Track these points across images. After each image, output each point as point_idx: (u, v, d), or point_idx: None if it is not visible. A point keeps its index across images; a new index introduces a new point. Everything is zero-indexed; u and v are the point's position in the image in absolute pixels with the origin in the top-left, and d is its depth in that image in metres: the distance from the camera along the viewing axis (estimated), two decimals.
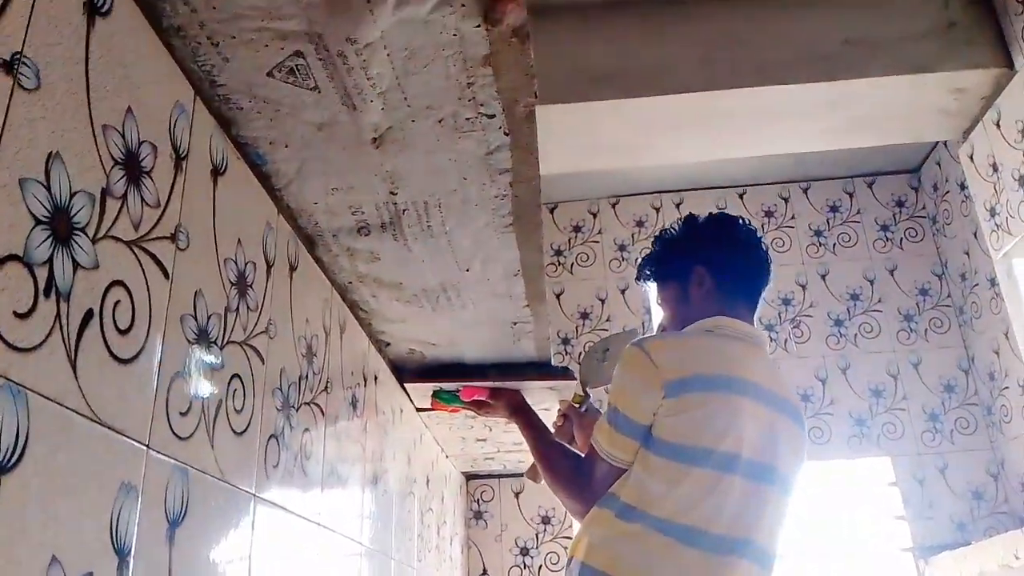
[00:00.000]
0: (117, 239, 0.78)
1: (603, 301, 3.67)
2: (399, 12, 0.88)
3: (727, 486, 1.17)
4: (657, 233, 1.54)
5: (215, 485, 0.96)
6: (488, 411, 1.92)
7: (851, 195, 3.76)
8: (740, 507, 1.17)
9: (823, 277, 3.63)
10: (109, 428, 0.75)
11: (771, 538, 1.22)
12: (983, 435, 3.30)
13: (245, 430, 1.06)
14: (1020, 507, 3.13)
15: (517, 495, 3.44)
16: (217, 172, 1.03)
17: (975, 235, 3.26)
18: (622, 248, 3.74)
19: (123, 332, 0.78)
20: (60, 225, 0.69)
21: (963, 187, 3.29)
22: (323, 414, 1.43)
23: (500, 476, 3.43)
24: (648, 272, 1.49)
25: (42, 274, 0.67)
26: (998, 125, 2.39)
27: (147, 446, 0.81)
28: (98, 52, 0.76)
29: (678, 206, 3.77)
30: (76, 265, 0.72)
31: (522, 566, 3.34)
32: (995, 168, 2.43)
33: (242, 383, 1.07)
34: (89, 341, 0.73)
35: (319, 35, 0.91)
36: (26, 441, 0.63)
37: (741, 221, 1.44)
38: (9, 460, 0.61)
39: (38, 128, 0.67)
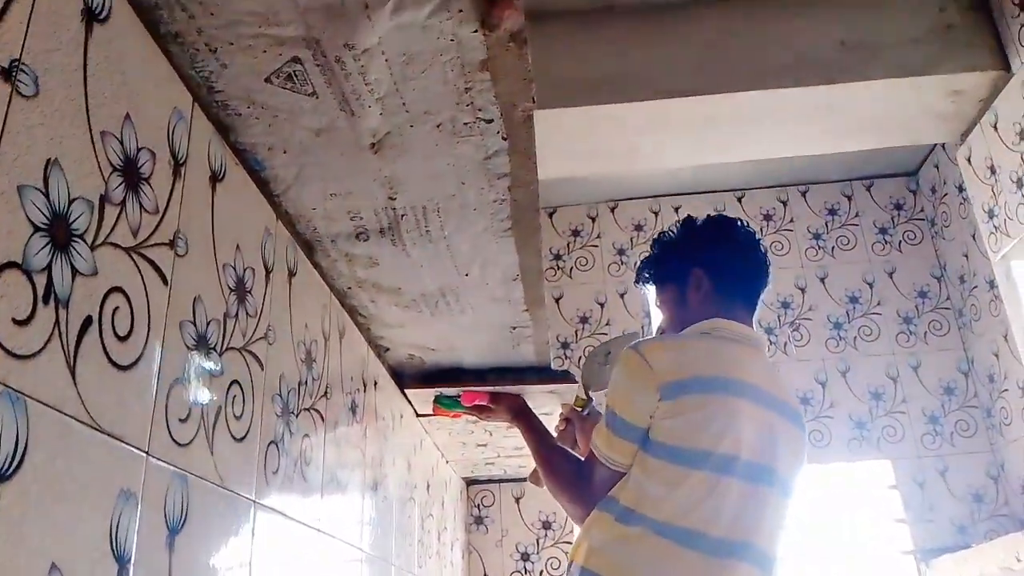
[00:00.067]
0: (116, 246, 0.78)
1: (602, 305, 3.67)
2: (397, 18, 0.88)
3: (725, 488, 1.17)
4: (656, 236, 1.54)
5: (215, 491, 0.96)
6: (489, 416, 1.91)
7: (849, 198, 3.77)
8: (739, 509, 1.17)
9: (822, 280, 3.63)
10: (108, 435, 0.75)
11: (771, 541, 1.22)
12: (983, 437, 3.30)
13: (244, 436, 1.06)
14: (1020, 509, 3.13)
15: (518, 500, 3.44)
16: (215, 178, 1.03)
17: (974, 237, 3.26)
18: (621, 252, 3.74)
19: (122, 339, 0.78)
20: (59, 232, 0.69)
21: (961, 189, 3.30)
22: (323, 420, 1.42)
23: (501, 481, 3.43)
24: (647, 275, 1.49)
25: (41, 281, 0.67)
26: (995, 127, 2.39)
27: (146, 453, 0.81)
28: (96, 59, 0.77)
29: (676, 210, 3.77)
30: (75, 272, 0.72)
31: (523, 571, 3.33)
32: (993, 170, 2.43)
33: (241, 389, 1.07)
34: (88, 348, 0.73)
35: (317, 41, 0.91)
36: (25, 448, 0.63)
37: (739, 223, 1.44)
38: (8, 467, 0.61)
39: (36, 135, 0.67)
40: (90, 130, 0.75)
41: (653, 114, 2.38)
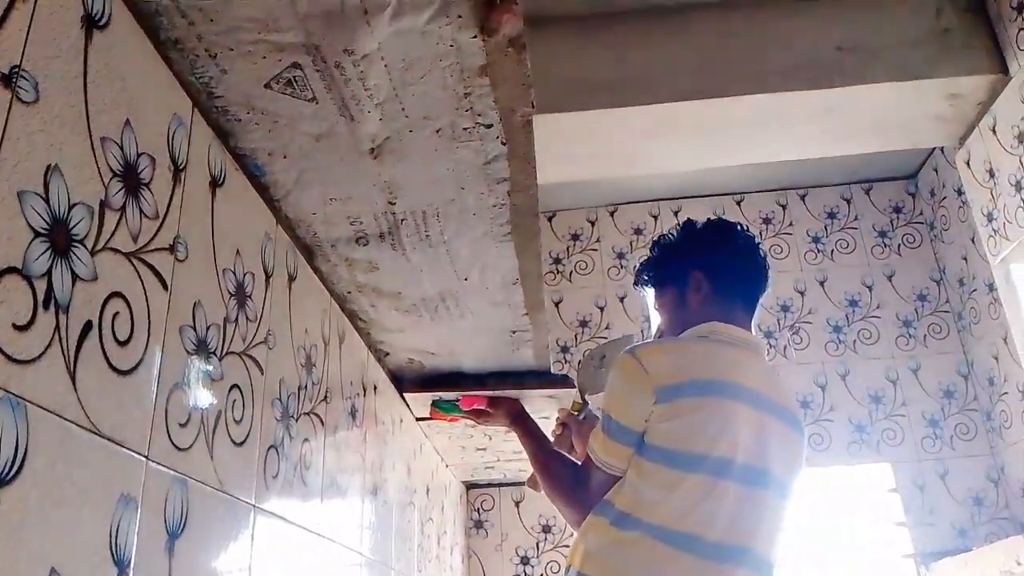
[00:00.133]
0: (116, 251, 0.79)
1: (602, 309, 3.67)
2: (396, 23, 0.89)
3: (721, 492, 1.16)
4: (655, 239, 1.54)
5: (214, 496, 0.96)
6: (487, 420, 1.91)
7: (849, 202, 3.77)
8: (735, 513, 1.17)
9: (821, 284, 3.63)
10: (108, 439, 0.75)
11: (769, 545, 1.21)
12: (983, 441, 3.30)
13: (244, 440, 1.06)
14: (1021, 513, 3.13)
15: (517, 504, 3.43)
16: (215, 183, 1.03)
17: (973, 240, 3.26)
18: (620, 256, 3.75)
19: (122, 343, 0.79)
20: (59, 237, 0.70)
21: (960, 193, 3.30)
22: (323, 424, 1.43)
23: (500, 485, 3.43)
24: (646, 277, 1.49)
25: (41, 286, 0.67)
26: (994, 130, 2.40)
27: (146, 457, 0.81)
28: (96, 65, 0.77)
29: (676, 214, 3.78)
30: (75, 277, 0.72)
31: (523, 575, 3.32)
32: (992, 173, 2.44)
33: (241, 393, 1.07)
34: (88, 353, 0.73)
35: (316, 47, 0.92)
36: (25, 453, 0.63)
37: (739, 227, 1.44)
38: (8, 472, 0.61)
39: (37, 141, 0.68)
40: (90, 136, 0.75)
41: (652, 118, 2.38)
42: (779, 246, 3.71)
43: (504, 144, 1.11)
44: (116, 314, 0.78)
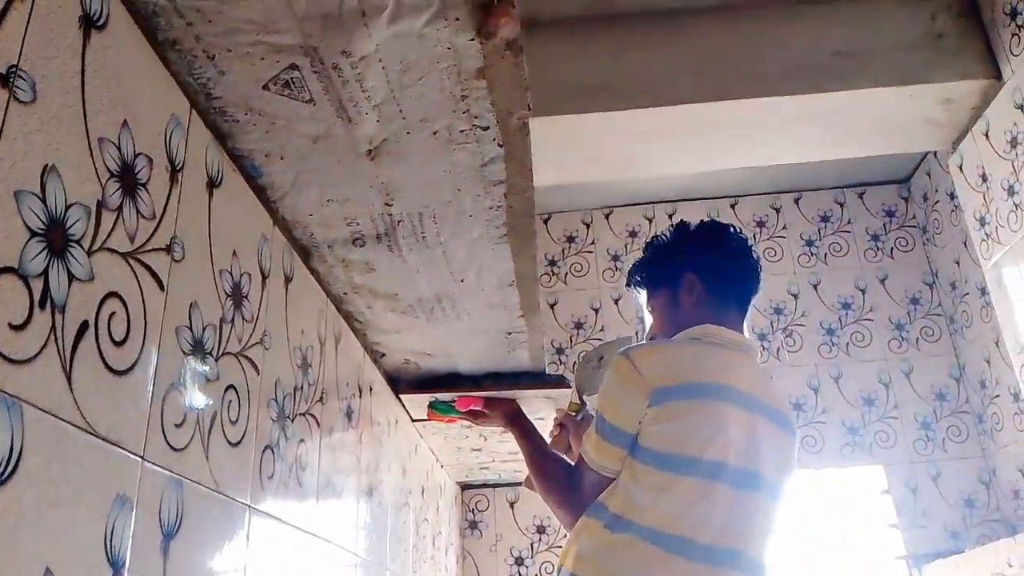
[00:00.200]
0: (112, 251, 0.79)
1: (597, 311, 3.68)
2: (394, 26, 0.89)
3: (714, 495, 1.17)
4: (648, 240, 1.54)
5: (210, 496, 0.96)
6: (484, 421, 1.92)
7: (842, 205, 3.79)
8: (727, 516, 1.17)
9: (815, 286, 3.64)
10: (104, 440, 0.75)
11: (760, 547, 1.22)
12: (975, 443, 3.31)
13: (240, 441, 1.06)
14: (1012, 515, 3.14)
15: (512, 505, 3.43)
16: (213, 184, 1.03)
17: (965, 244, 3.28)
18: (615, 258, 3.76)
19: (118, 344, 0.79)
20: (55, 237, 0.70)
21: (953, 197, 3.32)
22: (318, 425, 1.43)
23: (495, 486, 3.43)
24: (638, 278, 1.50)
25: (37, 286, 0.67)
26: (987, 135, 2.41)
27: (142, 457, 0.81)
28: (94, 65, 0.77)
29: (671, 216, 3.79)
30: (71, 277, 0.72)
31: None
32: (984, 178, 2.45)
33: (237, 394, 1.07)
34: (84, 353, 0.73)
35: (314, 48, 0.92)
36: (20, 453, 0.63)
37: (732, 228, 1.45)
38: (3, 472, 0.61)
39: (34, 141, 0.68)
40: (87, 136, 0.75)
41: (649, 121, 2.39)
42: (773, 249, 3.72)
43: (501, 146, 1.12)
44: (112, 314, 0.78)
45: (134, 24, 0.85)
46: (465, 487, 3.43)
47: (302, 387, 1.35)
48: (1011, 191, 2.33)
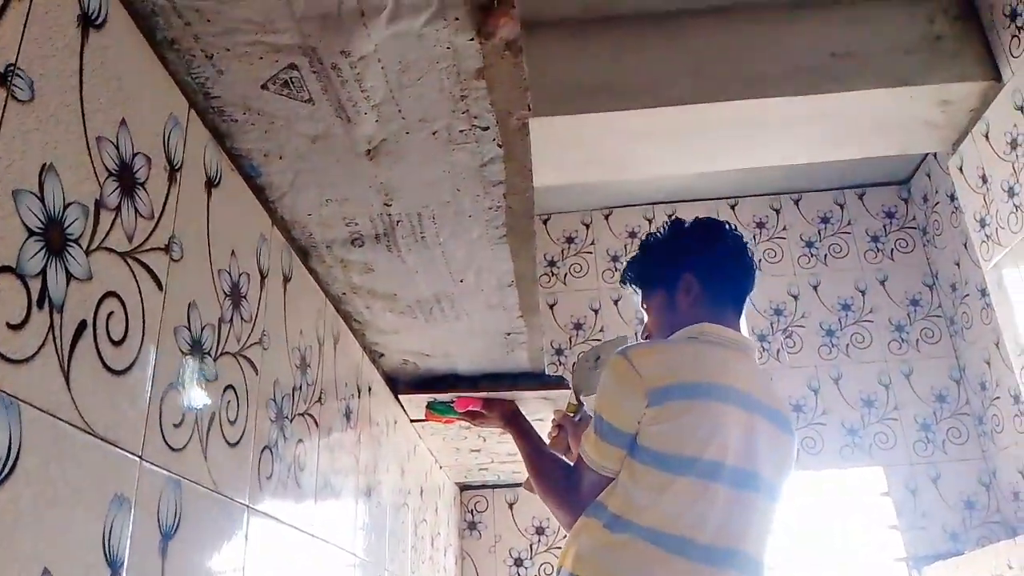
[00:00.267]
0: (111, 250, 0.79)
1: (596, 311, 3.68)
2: (393, 26, 0.89)
3: (712, 495, 1.17)
4: (644, 238, 1.53)
5: (208, 496, 0.96)
6: (482, 421, 1.92)
7: (842, 206, 3.79)
8: (725, 516, 1.17)
9: (815, 288, 3.64)
10: (102, 439, 0.75)
11: (759, 547, 1.22)
12: (975, 445, 3.31)
13: (238, 441, 1.06)
14: (1012, 516, 3.14)
15: (511, 506, 3.43)
16: (211, 184, 1.03)
17: (965, 246, 3.28)
18: (615, 259, 3.76)
19: (116, 343, 0.78)
20: (54, 236, 0.70)
21: (953, 198, 3.32)
22: (317, 425, 1.42)
23: (494, 487, 3.43)
24: (632, 276, 1.49)
25: (35, 285, 0.67)
26: (987, 137, 2.41)
27: (140, 457, 0.81)
28: (92, 65, 0.77)
29: (670, 217, 3.77)
30: (69, 276, 0.72)
31: None
32: (984, 179, 2.45)
33: (236, 394, 1.06)
34: (82, 352, 0.73)
35: (313, 48, 0.92)
36: (18, 453, 0.63)
37: (727, 226, 1.44)
38: (1, 472, 0.61)
39: (32, 140, 0.67)
40: (86, 135, 0.75)
41: (647, 122, 2.39)
42: (772, 250, 3.72)
43: (500, 147, 1.11)
44: (111, 314, 0.78)
45: (132, 23, 0.85)
46: (464, 488, 3.43)
47: (301, 387, 1.34)
48: (1011, 192, 2.33)
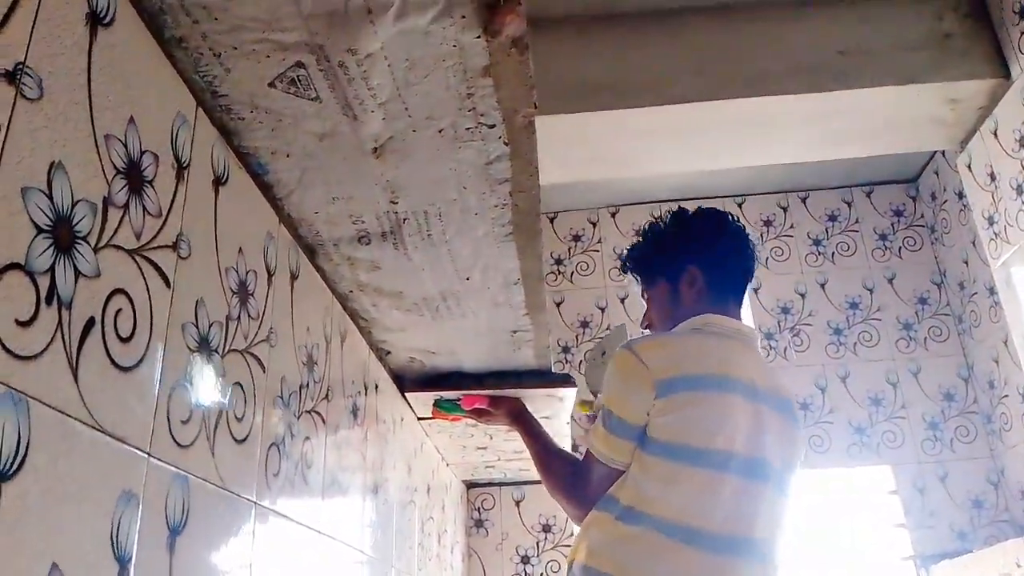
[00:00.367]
0: (119, 248, 0.79)
1: (603, 310, 3.68)
2: (400, 23, 0.89)
3: (721, 485, 1.17)
4: (646, 227, 1.52)
5: (216, 493, 0.96)
6: (489, 419, 1.92)
7: (849, 204, 3.77)
8: (735, 506, 1.18)
9: (822, 286, 3.63)
10: (110, 436, 0.75)
11: (770, 535, 1.22)
12: (983, 443, 3.30)
13: (246, 438, 1.07)
14: (1021, 515, 3.12)
15: (518, 503, 3.43)
16: (219, 182, 1.04)
17: (973, 244, 3.26)
18: (622, 257, 3.75)
19: (124, 340, 0.79)
20: (62, 234, 0.70)
21: (961, 196, 3.30)
22: (324, 423, 1.43)
23: (501, 484, 3.43)
24: (636, 266, 1.50)
25: (44, 282, 0.67)
26: (995, 135, 2.40)
27: (148, 454, 0.81)
28: (100, 63, 0.77)
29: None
30: (78, 273, 0.72)
31: (523, 574, 3.33)
32: (993, 177, 2.44)
33: (243, 391, 1.07)
34: (90, 349, 0.73)
35: (320, 46, 0.92)
36: (27, 449, 0.63)
37: (730, 216, 1.45)
38: (9, 468, 0.61)
39: (40, 137, 0.68)
40: (94, 133, 0.76)
41: (653, 120, 2.39)
42: (780, 248, 3.71)
43: (506, 144, 1.11)
44: (119, 311, 0.78)
45: (140, 22, 0.85)
46: (471, 486, 3.44)
47: (308, 385, 1.35)
48: (1020, 190, 2.31)
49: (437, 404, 2.06)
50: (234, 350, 1.05)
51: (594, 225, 3.84)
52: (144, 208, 0.84)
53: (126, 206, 0.80)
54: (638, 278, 1.49)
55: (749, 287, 1.45)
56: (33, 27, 0.67)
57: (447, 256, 1.43)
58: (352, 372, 1.65)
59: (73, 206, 0.72)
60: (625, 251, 1.54)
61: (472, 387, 1.98)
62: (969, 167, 2.57)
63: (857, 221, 3.73)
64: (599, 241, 3.81)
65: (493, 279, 1.53)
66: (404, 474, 2.13)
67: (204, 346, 0.96)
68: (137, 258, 0.82)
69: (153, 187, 0.86)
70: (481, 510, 3.43)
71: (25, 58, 0.66)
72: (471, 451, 2.71)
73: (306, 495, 1.30)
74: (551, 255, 3.76)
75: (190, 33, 0.89)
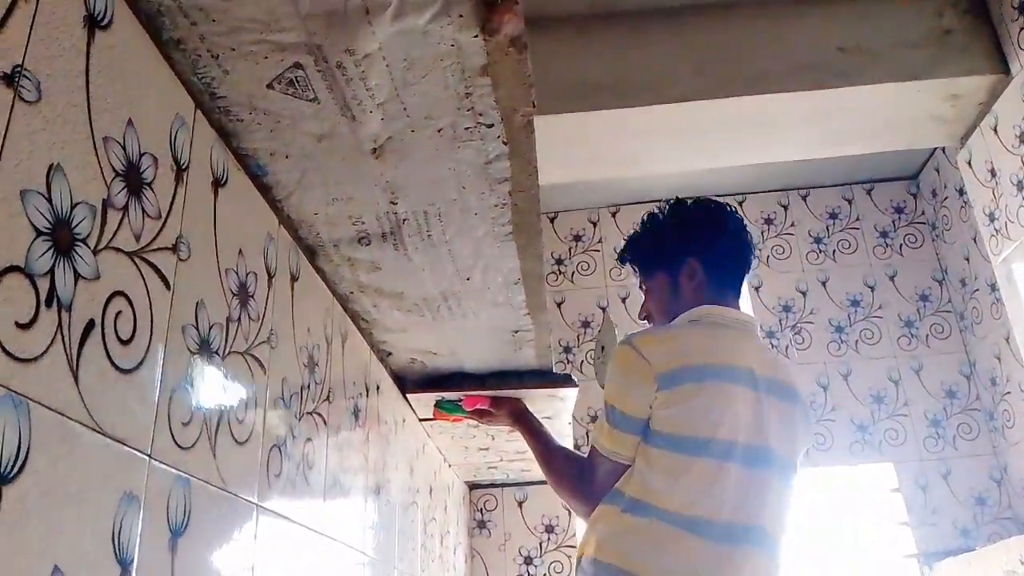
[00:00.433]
0: (118, 250, 0.79)
1: (604, 309, 3.67)
2: (397, 23, 0.89)
3: (726, 474, 1.18)
4: (645, 218, 1.52)
5: (217, 495, 0.96)
6: (490, 420, 1.92)
7: (850, 202, 3.77)
8: (741, 495, 1.18)
9: (823, 284, 3.63)
10: (111, 438, 0.75)
11: (777, 523, 1.23)
12: (986, 440, 3.29)
13: (247, 440, 1.07)
14: (1023, 512, 3.12)
15: (520, 504, 3.43)
16: (218, 183, 1.04)
17: (975, 240, 3.26)
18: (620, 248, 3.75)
19: (125, 342, 0.79)
20: (61, 236, 0.70)
21: (962, 193, 3.30)
22: (325, 424, 1.43)
23: (503, 485, 3.43)
24: (635, 257, 1.50)
25: (43, 285, 0.67)
26: (996, 131, 2.40)
27: (149, 456, 0.81)
28: (98, 65, 0.77)
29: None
30: (77, 276, 0.72)
31: (526, 575, 3.33)
32: (993, 173, 2.43)
33: (244, 393, 1.07)
34: (91, 351, 0.73)
35: (318, 47, 0.92)
36: (27, 451, 0.63)
37: (728, 208, 1.45)
38: (10, 471, 0.61)
39: (39, 140, 0.68)
40: (92, 135, 0.76)
41: (652, 119, 2.39)
42: (781, 246, 3.71)
43: (505, 144, 1.11)
44: (119, 313, 0.78)
45: (138, 24, 0.85)
46: (473, 487, 3.43)
47: (309, 386, 1.35)
48: (1020, 186, 2.31)
49: (438, 405, 2.06)
50: (235, 352, 1.05)
51: (595, 225, 3.84)
52: (143, 210, 0.84)
53: (125, 208, 0.80)
54: (636, 269, 1.50)
55: (747, 279, 1.45)
56: (31, 29, 0.67)
57: (447, 256, 1.43)
58: (353, 373, 1.65)
59: (72, 208, 0.72)
60: (623, 241, 1.55)
61: (473, 388, 1.98)
62: (969, 163, 2.57)
63: (858, 218, 3.73)
64: (600, 241, 3.81)
65: (493, 279, 1.53)
66: (406, 475, 2.13)
67: (205, 348, 0.96)
68: (137, 260, 0.82)
69: (152, 189, 0.86)
70: (484, 511, 3.43)
71: (23, 60, 0.66)
72: (473, 452, 2.71)
73: (308, 496, 1.30)
74: (552, 255, 3.76)
75: (188, 35, 0.89)
